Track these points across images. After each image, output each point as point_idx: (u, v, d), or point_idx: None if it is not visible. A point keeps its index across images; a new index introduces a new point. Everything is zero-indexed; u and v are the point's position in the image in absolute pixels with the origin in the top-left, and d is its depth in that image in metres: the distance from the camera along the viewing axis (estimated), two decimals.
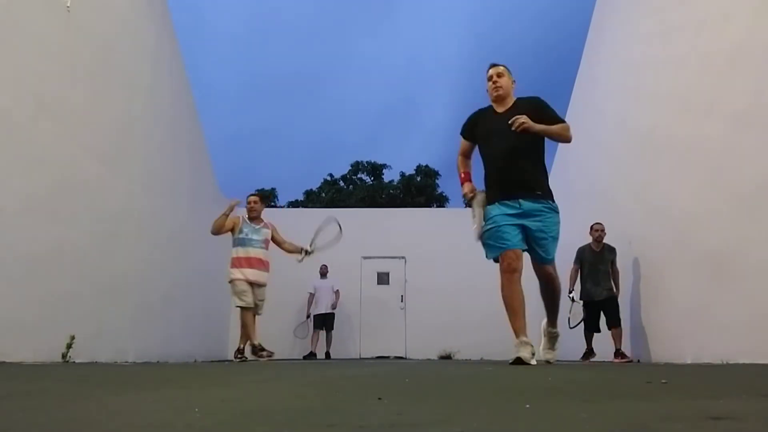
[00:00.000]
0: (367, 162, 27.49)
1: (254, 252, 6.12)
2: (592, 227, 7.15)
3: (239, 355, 6.12)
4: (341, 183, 27.34)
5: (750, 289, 4.72)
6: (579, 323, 7.03)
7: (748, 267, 4.76)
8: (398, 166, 49.55)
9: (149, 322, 7.16)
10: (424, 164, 26.61)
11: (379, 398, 1.07)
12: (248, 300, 5.96)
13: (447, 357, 10.71)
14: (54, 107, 5.57)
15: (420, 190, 25.76)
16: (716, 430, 0.68)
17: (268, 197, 6.35)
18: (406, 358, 10.81)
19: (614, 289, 6.86)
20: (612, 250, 7.00)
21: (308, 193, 26.62)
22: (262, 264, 6.16)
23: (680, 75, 6.09)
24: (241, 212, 6.41)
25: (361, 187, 26.53)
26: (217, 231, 6.14)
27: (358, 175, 27.50)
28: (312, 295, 10.77)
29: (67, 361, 5.40)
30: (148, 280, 6.87)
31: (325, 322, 10.61)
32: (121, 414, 0.84)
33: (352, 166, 27.45)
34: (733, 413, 0.84)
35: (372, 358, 10.53)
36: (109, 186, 6.28)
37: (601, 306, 6.89)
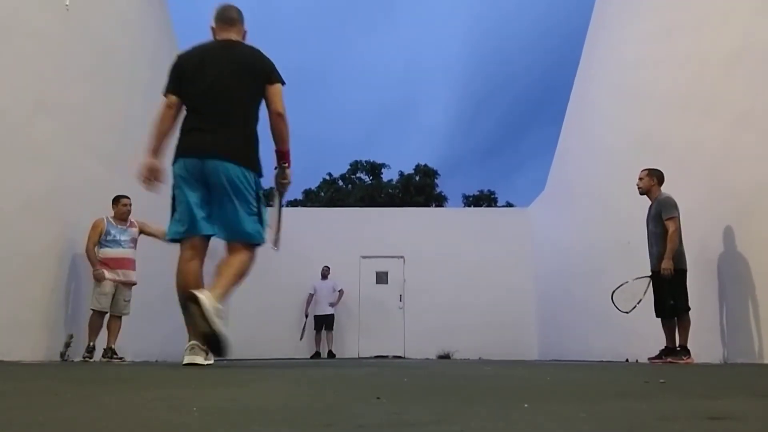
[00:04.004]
0: (366, 161, 27.47)
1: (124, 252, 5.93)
2: None
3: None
4: (340, 182, 27.33)
5: (748, 289, 4.73)
6: (634, 307, 5.22)
7: (747, 268, 4.77)
8: (397, 165, 49.40)
9: (148, 321, 7.17)
10: (423, 163, 26.63)
11: (378, 398, 1.07)
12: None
13: (445, 357, 10.72)
14: (53, 107, 5.56)
15: (419, 189, 25.76)
16: (715, 430, 0.68)
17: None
18: (404, 358, 10.82)
19: (664, 256, 4.90)
20: (661, 202, 5.13)
21: (307, 193, 26.64)
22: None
23: (679, 76, 6.10)
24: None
25: (359, 187, 26.52)
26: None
27: (357, 175, 27.48)
28: (311, 296, 10.90)
29: (66, 360, 5.39)
30: (147, 279, 6.84)
31: (325, 322, 10.76)
32: (119, 413, 0.84)
33: (351, 165, 27.46)
34: (732, 413, 0.85)
35: (371, 358, 10.53)
36: (109, 186, 6.27)
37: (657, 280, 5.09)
